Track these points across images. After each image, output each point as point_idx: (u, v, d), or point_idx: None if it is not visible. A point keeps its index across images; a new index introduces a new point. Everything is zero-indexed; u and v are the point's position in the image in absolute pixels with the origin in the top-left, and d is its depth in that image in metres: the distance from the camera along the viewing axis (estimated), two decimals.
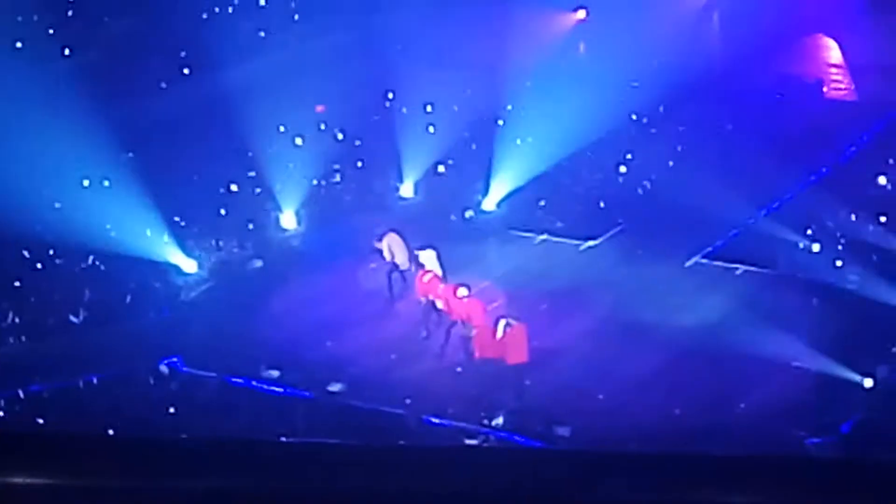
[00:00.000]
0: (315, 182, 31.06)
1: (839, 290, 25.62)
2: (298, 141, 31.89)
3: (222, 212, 29.66)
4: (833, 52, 34.54)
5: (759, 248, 27.41)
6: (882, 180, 29.35)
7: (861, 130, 31.26)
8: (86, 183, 29.43)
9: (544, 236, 29.28)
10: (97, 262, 27.67)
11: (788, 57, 34.11)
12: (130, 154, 30.59)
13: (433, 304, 25.00)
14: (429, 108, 32.99)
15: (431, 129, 32.28)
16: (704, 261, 27.76)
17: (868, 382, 22.84)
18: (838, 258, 26.63)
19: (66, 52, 33.64)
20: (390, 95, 33.64)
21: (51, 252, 27.65)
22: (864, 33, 33.63)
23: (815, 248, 27.31)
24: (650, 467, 5.02)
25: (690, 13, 34.51)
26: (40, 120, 29.52)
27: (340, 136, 32.43)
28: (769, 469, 4.89)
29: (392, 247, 26.70)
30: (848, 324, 24.48)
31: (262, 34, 35.66)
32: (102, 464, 5.10)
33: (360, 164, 31.71)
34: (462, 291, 24.36)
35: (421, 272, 25.57)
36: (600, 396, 23.30)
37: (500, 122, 32.45)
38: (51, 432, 7.93)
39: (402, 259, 26.62)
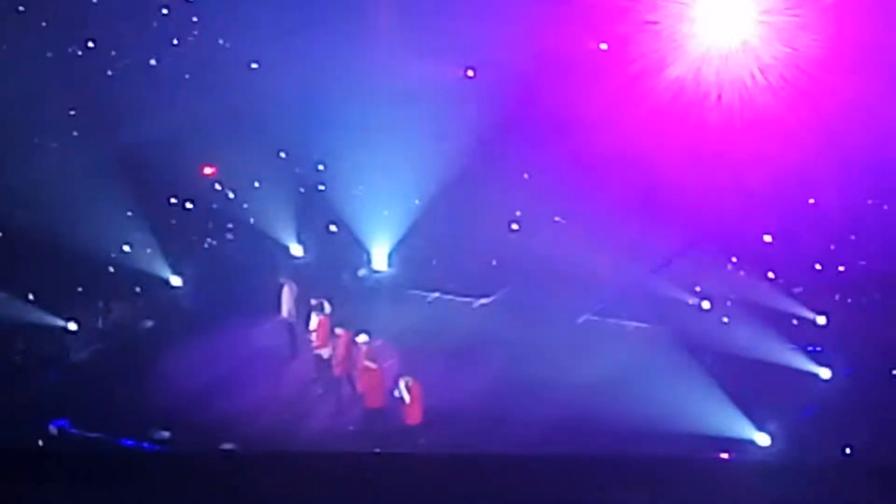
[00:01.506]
0: (207, 242, 30.88)
1: (729, 345, 25.99)
2: (189, 205, 31.69)
3: (111, 270, 29.32)
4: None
5: (650, 305, 27.70)
6: (768, 238, 29.84)
7: (747, 189, 31.74)
8: None
9: (436, 294, 29.36)
10: None
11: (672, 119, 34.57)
12: (22, 211, 30.20)
13: (326, 360, 24.95)
14: (321, 167, 33.01)
15: (322, 187, 32.27)
16: (595, 318, 28.00)
17: (762, 439, 23.20)
18: (726, 315, 27.04)
19: None
20: (282, 154, 33.56)
21: None
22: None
23: (705, 305, 27.70)
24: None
25: (580, 75, 34.87)
26: None
27: (231, 196, 32.27)
28: None
29: (286, 299, 26.69)
30: (738, 380, 24.85)
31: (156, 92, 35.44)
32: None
33: (252, 221, 31.57)
34: (362, 338, 24.34)
35: (316, 321, 25.51)
36: (497, 453, 23.24)
37: (392, 181, 32.49)
38: None
39: (292, 312, 26.62)
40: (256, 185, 32.61)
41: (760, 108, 32.50)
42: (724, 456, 21.58)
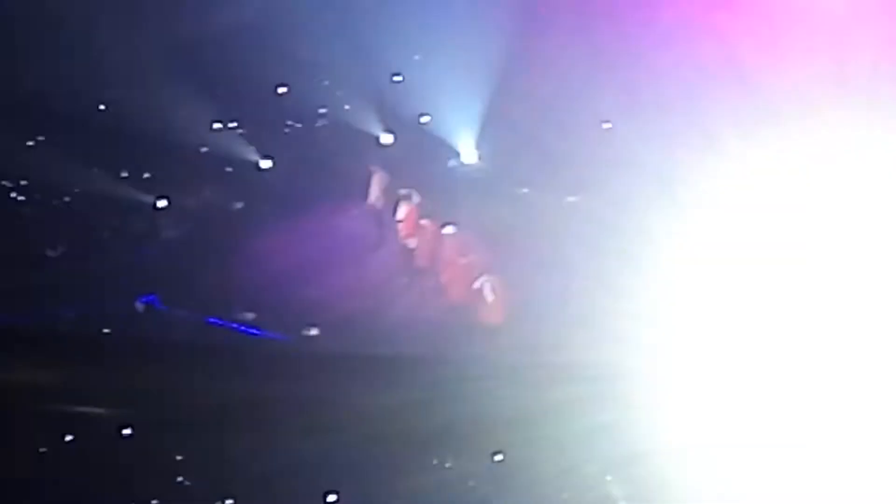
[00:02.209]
0: (296, 125, 30.97)
1: None
2: (281, 90, 31.74)
3: (202, 151, 29.53)
4: None
5: None
6: None
7: None
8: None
9: (526, 190, 29.24)
10: (74, 199, 27.54)
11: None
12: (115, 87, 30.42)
13: (411, 250, 25.01)
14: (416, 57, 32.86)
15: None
16: None
17: None
18: None
19: None
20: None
21: (24, 184, 27.54)
22: None
23: None
24: None
25: None
26: None
27: (326, 83, 32.30)
28: None
29: (375, 187, 26.75)
30: None
31: None
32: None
33: (345, 108, 31.56)
34: (448, 230, 24.31)
35: (400, 216, 25.54)
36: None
37: (484, 73, 32.29)
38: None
39: (381, 201, 26.68)
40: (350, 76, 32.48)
41: None
42: None
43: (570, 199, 28.89)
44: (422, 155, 30.24)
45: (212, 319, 24.39)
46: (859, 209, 24.99)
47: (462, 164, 30.35)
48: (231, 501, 16.03)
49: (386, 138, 30.71)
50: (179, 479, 16.53)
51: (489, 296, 23.04)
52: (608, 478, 16.71)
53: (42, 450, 16.13)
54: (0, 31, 30.12)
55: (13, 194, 27.36)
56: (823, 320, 21.19)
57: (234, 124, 30.63)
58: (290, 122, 31.04)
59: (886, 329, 21.07)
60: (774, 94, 29.15)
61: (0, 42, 29.91)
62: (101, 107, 29.79)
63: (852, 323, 21.12)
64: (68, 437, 15.79)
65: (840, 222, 24.43)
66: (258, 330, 24.13)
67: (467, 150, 30.48)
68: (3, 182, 27.46)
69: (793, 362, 20.33)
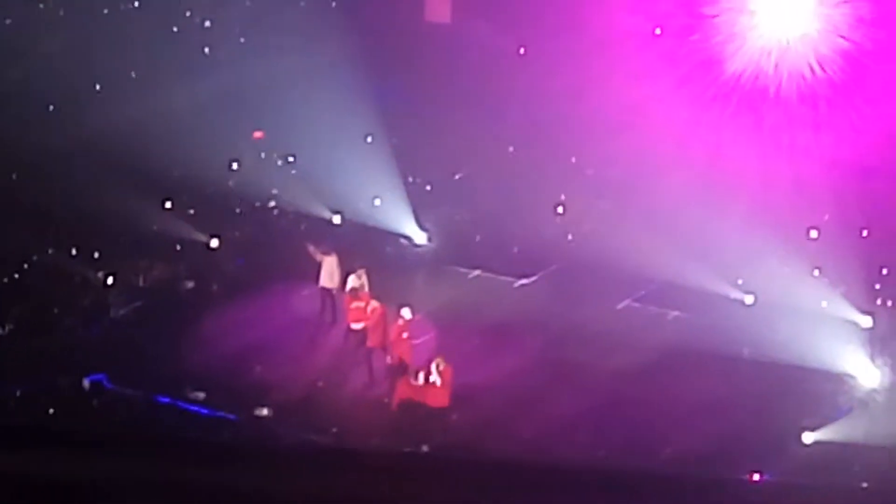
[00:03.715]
0: (251, 205, 31.04)
1: (769, 342, 25.81)
2: (234, 166, 31.83)
3: (154, 230, 29.49)
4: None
5: (691, 296, 27.54)
6: (814, 234, 29.55)
7: (799, 182, 31.46)
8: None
9: (478, 272, 29.33)
10: (22, 275, 27.41)
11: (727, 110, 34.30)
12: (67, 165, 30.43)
13: (361, 331, 24.96)
14: (368, 139, 33.06)
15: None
16: (636, 304, 27.90)
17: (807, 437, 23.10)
18: (769, 310, 26.86)
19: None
20: (329, 124, 33.57)
21: None
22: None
23: (748, 299, 27.53)
24: None
25: (634, 61, 34.63)
26: None
27: (279, 162, 32.42)
28: None
29: (325, 268, 26.74)
30: (776, 378, 24.75)
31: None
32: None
33: (296, 188, 31.61)
34: (405, 312, 24.29)
35: (349, 297, 25.52)
36: (526, 436, 23.24)
37: (437, 156, 32.53)
38: None
39: (331, 282, 26.67)
40: (302, 152, 32.63)
41: (818, 100, 32.24)
42: (756, 478, 21.38)
43: (522, 281, 29.01)
44: (372, 236, 30.29)
45: (161, 398, 24.21)
46: None
47: (413, 245, 30.43)
48: None
49: (337, 219, 30.74)
50: None
51: (438, 378, 22.99)
52: None
53: None
54: None
55: None
56: None
57: (185, 203, 30.60)
58: (241, 202, 31.05)
59: None
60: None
61: None
62: (52, 184, 29.69)
63: None
64: None
65: None
66: (208, 409, 23.96)
67: (417, 232, 30.58)
68: None
69: None
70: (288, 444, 22.43)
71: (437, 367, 23.02)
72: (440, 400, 23.12)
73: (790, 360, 25.16)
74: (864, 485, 20.65)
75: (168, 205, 30.23)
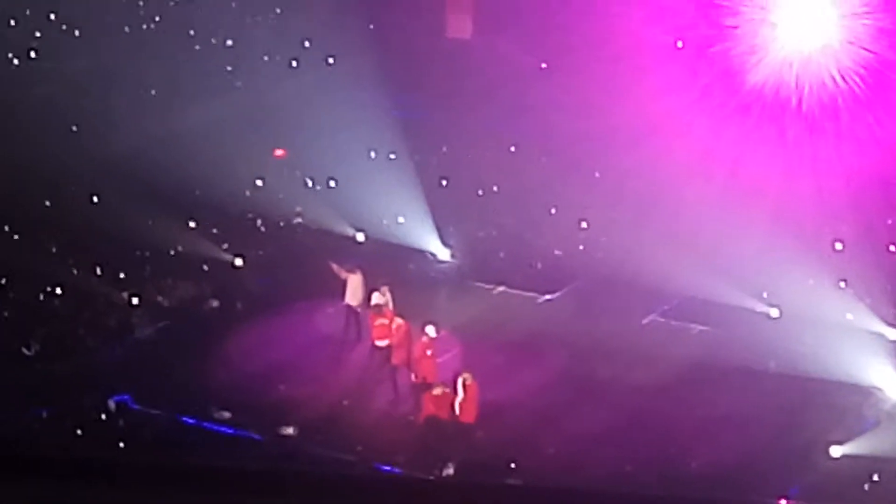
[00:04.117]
0: (275, 224, 31.12)
1: (795, 355, 25.70)
2: (259, 182, 31.91)
3: (178, 249, 29.57)
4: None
5: (716, 310, 27.45)
6: (839, 246, 29.42)
7: (823, 194, 31.33)
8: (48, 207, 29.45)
9: (502, 287, 29.32)
10: (48, 296, 27.49)
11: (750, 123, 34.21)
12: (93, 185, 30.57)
13: (385, 349, 24.93)
14: (392, 156, 33.10)
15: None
16: (662, 319, 27.84)
17: (834, 451, 22.96)
18: (794, 323, 26.74)
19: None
20: (355, 142, 33.62)
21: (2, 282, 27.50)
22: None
23: (774, 313, 27.43)
24: None
25: (657, 74, 34.60)
26: None
27: (303, 180, 32.50)
28: None
29: (350, 286, 26.74)
30: (803, 391, 24.62)
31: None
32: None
33: (320, 207, 31.67)
34: (430, 329, 24.26)
35: (373, 314, 25.51)
36: (551, 451, 23.18)
37: (461, 173, 32.56)
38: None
39: (356, 300, 26.67)
40: (327, 171, 32.70)
41: (840, 112, 32.12)
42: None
43: (546, 297, 28.99)
44: (396, 253, 30.31)
45: (186, 418, 24.24)
46: None
47: (436, 261, 30.45)
48: None
49: (360, 237, 30.79)
50: None
51: (464, 394, 22.95)
52: None
53: None
54: None
55: None
56: None
57: (209, 222, 30.68)
58: (264, 221, 31.13)
59: None
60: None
61: None
62: (77, 204, 29.81)
63: None
64: None
65: None
66: (233, 429, 23.97)
67: (441, 248, 30.59)
68: None
69: None
70: (313, 463, 22.43)
71: (464, 382, 22.99)
72: (467, 415, 23.06)
73: (816, 372, 25.06)
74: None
75: (192, 224, 30.30)
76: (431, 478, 21.63)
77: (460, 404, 22.96)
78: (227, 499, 5.14)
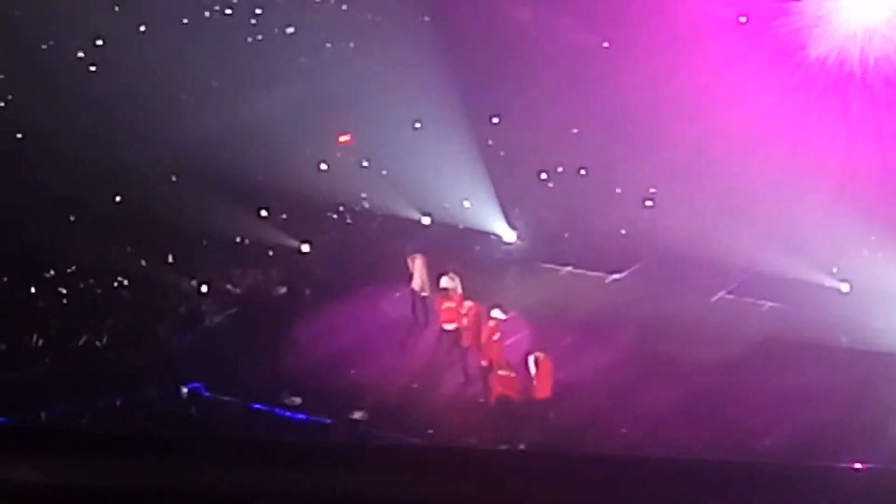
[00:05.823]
0: (340, 209, 31.20)
1: (866, 329, 25.46)
2: (323, 166, 32.02)
3: (245, 237, 29.76)
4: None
5: (785, 286, 27.26)
6: None
7: (883, 169, 31.00)
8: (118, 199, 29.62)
9: (569, 268, 29.27)
10: (118, 286, 27.74)
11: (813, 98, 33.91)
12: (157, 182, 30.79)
13: (454, 332, 24.94)
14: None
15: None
16: (730, 296, 27.68)
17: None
18: (865, 297, 26.49)
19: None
20: (417, 125, 33.64)
21: (73, 270, 27.78)
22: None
23: (844, 288, 27.20)
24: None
25: (719, 49, 34.36)
26: None
27: (366, 164, 32.56)
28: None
29: (417, 270, 26.77)
30: (875, 365, 24.39)
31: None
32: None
33: (385, 191, 31.74)
34: (496, 313, 24.23)
35: (441, 298, 25.53)
36: (623, 430, 23.12)
37: (524, 155, 32.48)
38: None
39: (423, 284, 26.69)
40: (389, 154, 32.75)
41: None
42: (858, 466, 21.08)
43: (613, 276, 28.92)
44: (462, 236, 30.33)
45: (257, 404, 24.40)
46: None
47: (502, 243, 30.45)
48: None
49: (426, 220, 30.83)
50: None
51: (536, 371, 22.91)
52: None
53: None
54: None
55: (59, 286, 27.55)
56: None
57: (276, 209, 30.85)
58: (330, 206, 31.23)
59: None
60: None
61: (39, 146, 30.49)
62: (146, 195, 30.04)
63: None
64: None
65: None
66: (304, 414, 24.09)
67: (507, 230, 30.59)
68: (49, 272, 27.67)
69: None
70: (384, 447, 22.48)
71: (536, 359, 22.99)
72: (542, 391, 23.04)
73: (888, 347, 24.83)
74: None
75: (261, 212, 30.48)
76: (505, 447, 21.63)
77: (535, 381, 22.95)
78: (298, 475, 5.18)
